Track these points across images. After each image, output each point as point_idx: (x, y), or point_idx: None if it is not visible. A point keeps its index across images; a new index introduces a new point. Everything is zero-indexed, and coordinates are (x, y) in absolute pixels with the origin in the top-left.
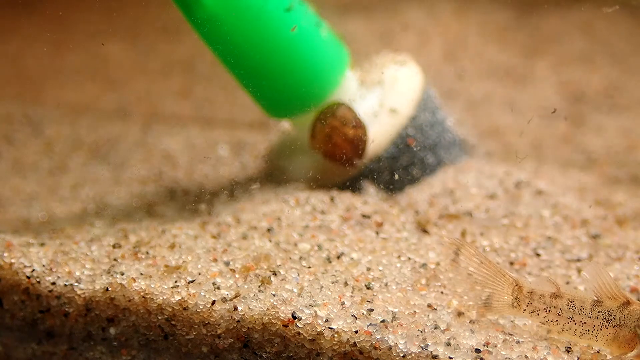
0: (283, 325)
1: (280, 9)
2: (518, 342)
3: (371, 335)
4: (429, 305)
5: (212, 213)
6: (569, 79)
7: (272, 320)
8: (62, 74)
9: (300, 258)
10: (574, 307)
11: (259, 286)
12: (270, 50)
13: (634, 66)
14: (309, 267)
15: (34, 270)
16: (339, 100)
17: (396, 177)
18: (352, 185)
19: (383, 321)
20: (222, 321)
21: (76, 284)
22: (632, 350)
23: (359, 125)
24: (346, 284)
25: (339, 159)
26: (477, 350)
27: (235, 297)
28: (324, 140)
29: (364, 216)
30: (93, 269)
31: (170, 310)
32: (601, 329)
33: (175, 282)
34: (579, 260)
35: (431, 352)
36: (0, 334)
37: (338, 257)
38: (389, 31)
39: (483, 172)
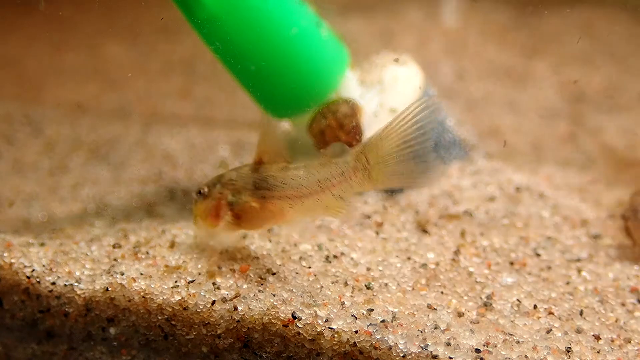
0: (283, 325)
1: (280, 9)
2: (518, 342)
3: (371, 335)
4: (429, 306)
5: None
6: (569, 79)
7: (272, 320)
8: (62, 74)
9: (300, 258)
10: None
11: (259, 286)
12: (270, 51)
13: (634, 66)
14: (309, 267)
15: (34, 270)
16: (351, 99)
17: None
18: None
19: (383, 321)
20: (222, 321)
21: (76, 284)
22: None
23: (356, 132)
24: (346, 284)
25: None
26: (477, 350)
27: (235, 297)
28: (317, 133)
29: (364, 216)
30: (93, 269)
31: (170, 310)
32: None
33: (175, 282)
34: (579, 260)
35: (431, 352)
36: (0, 334)
37: (338, 257)
38: (389, 31)
39: (483, 172)
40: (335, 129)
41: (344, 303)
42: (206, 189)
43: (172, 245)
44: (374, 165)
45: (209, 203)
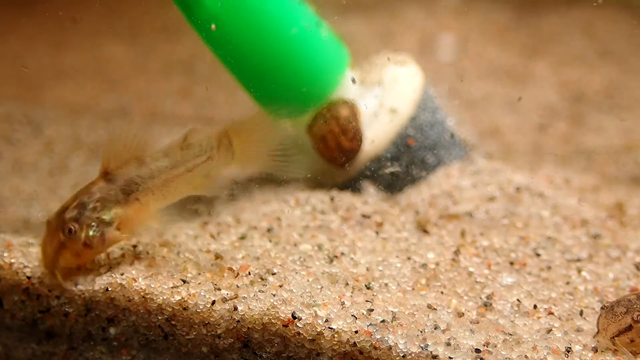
0: (283, 325)
1: (280, 9)
2: (518, 342)
3: (371, 335)
4: (429, 306)
5: (212, 213)
6: (569, 79)
7: (272, 320)
8: (62, 74)
9: (300, 258)
10: None
11: (259, 286)
12: (270, 51)
13: (634, 66)
14: (309, 267)
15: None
16: (350, 100)
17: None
18: (352, 185)
19: (383, 321)
20: (222, 321)
21: (76, 284)
22: None
23: (355, 138)
24: (346, 284)
25: (324, 157)
26: (477, 350)
27: (235, 297)
28: (318, 137)
29: (364, 216)
30: (93, 269)
31: (170, 310)
32: None
33: (175, 282)
34: (579, 260)
35: (431, 352)
36: (0, 334)
37: (338, 257)
38: (389, 31)
39: (483, 172)
40: (338, 135)
41: (344, 303)
42: (76, 225)
43: (172, 245)
44: (237, 146)
45: (86, 235)
